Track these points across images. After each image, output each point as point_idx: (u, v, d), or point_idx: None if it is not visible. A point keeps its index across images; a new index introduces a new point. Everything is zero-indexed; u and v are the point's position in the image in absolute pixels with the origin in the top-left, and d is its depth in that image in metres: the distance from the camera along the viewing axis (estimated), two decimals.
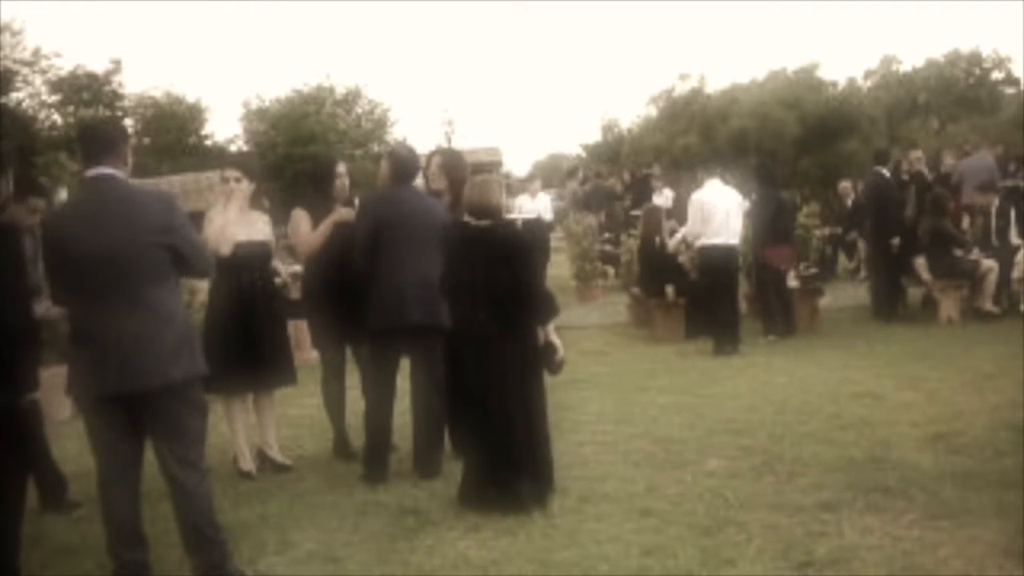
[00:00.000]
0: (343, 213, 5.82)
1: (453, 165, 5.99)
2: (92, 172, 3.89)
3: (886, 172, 10.95)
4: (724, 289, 9.25)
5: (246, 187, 5.61)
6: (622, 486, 5.07)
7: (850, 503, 4.61)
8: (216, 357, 4.49)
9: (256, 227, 5.68)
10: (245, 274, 5.52)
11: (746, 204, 10.22)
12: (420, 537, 4.51)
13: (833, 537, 4.22)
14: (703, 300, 9.43)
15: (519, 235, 5.05)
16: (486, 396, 4.86)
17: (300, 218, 5.90)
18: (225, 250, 5.29)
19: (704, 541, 4.25)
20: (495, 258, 4.82)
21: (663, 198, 15.85)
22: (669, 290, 10.04)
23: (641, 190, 17.60)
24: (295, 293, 6.42)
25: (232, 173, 5.62)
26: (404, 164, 5.66)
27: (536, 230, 11.65)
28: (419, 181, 5.90)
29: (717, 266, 9.21)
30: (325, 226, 5.79)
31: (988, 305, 10.06)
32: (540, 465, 4.89)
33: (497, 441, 4.81)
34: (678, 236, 10.22)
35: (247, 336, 5.51)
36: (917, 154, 13.42)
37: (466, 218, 5.02)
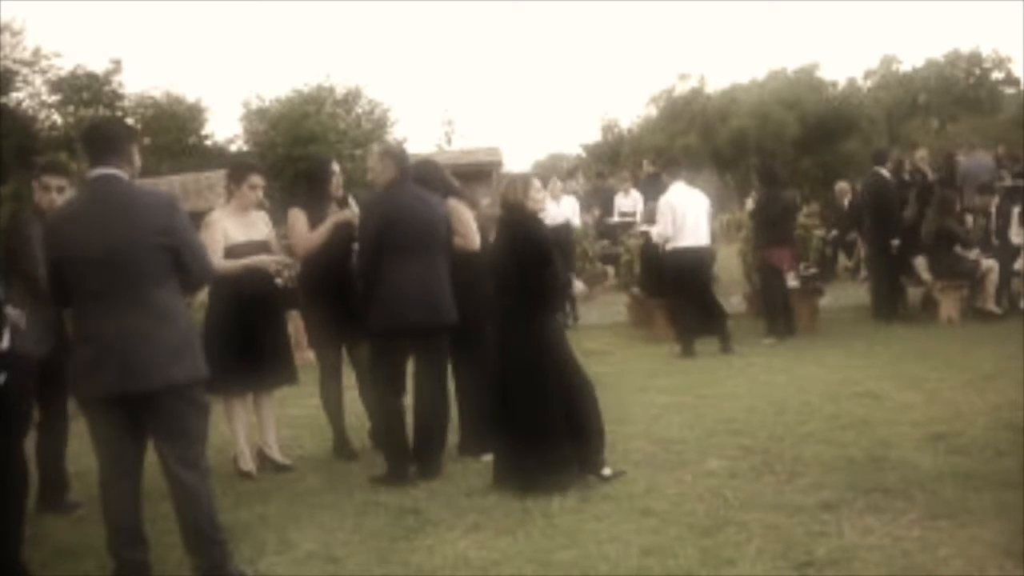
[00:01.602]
0: (344, 214, 5.81)
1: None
2: (95, 172, 3.89)
3: (885, 172, 10.93)
4: (695, 290, 9.23)
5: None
6: (622, 486, 5.07)
7: (850, 503, 4.60)
8: (216, 357, 4.48)
9: (256, 227, 5.70)
10: (244, 274, 5.52)
11: (750, 205, 10.18)
12: (420, 537, 4.52)
13: (833, 537, 4.21)
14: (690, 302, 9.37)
15: (530, 230, 5.21)
16: (501, 379, 5.21)
17: (297, 218, 5.90)
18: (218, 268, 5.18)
19: (704, 541, 4.25)
20: (510, 249, 5.16)
21: (630, 200, 14.84)
22: None
23: (644, 190, 17.50)
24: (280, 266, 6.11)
25: (259, 180, 5.71)
26: (406, 161, 5.65)
27: (561, 236, 11.60)
28: None
29: (688, 268, 9.20)
30: (325, 227, 5.79)
31: (989, 305, 10.06)
32: (578, 442, 5.13)
33: (509, 422, 5.13)
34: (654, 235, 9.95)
35: (247, 336, 5.51)
36: (921, 153, 13.40)
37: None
